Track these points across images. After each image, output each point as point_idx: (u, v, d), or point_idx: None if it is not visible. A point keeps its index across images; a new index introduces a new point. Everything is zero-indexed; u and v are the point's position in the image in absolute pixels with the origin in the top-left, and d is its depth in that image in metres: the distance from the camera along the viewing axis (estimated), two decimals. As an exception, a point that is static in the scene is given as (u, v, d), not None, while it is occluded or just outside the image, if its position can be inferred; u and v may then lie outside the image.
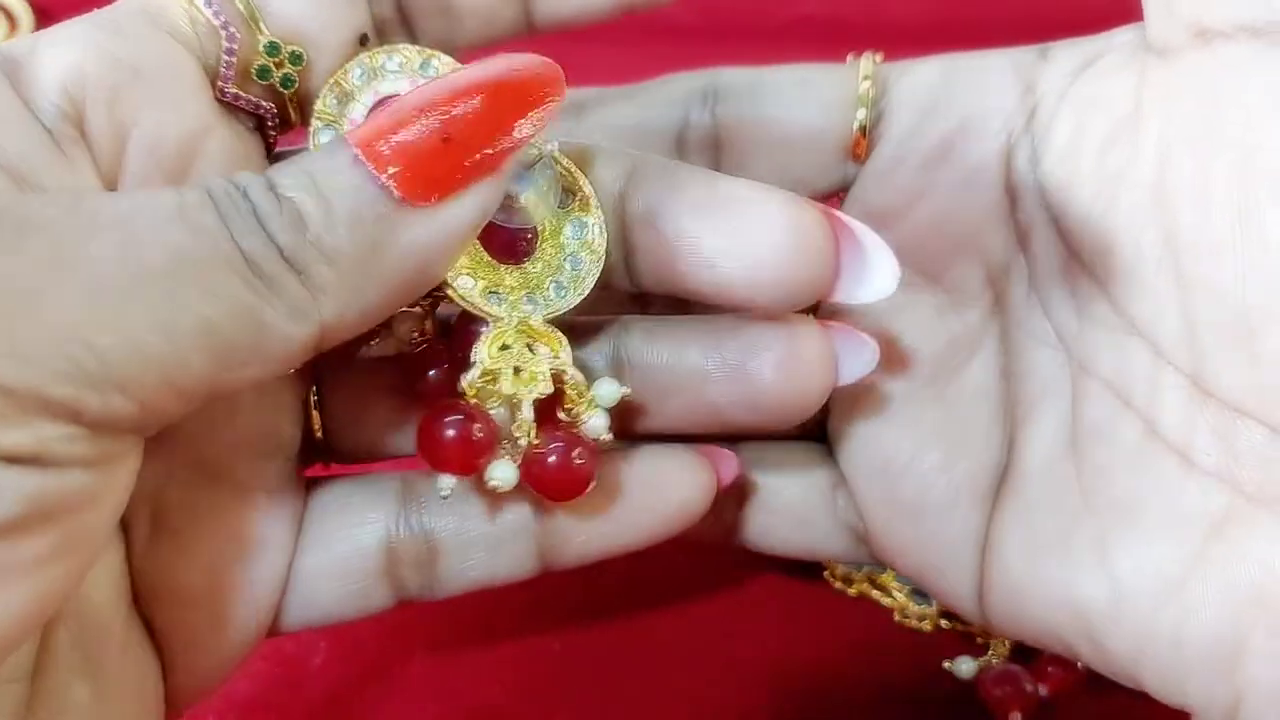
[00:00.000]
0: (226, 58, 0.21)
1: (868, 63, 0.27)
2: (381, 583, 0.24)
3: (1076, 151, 0.25)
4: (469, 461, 0.22)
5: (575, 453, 0.22)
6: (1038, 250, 0.26)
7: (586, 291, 0.23)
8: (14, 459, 0.16)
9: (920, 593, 0.34)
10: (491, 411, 0.23)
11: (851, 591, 0.34)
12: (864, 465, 0.27)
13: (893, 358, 0.27)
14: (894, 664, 0.34)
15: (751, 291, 0.22)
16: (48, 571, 0.17)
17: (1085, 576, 0.24)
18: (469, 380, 0.22)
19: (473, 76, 0.20)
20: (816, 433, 0.29)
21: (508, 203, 0.23)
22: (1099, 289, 0.24)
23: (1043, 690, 0.32)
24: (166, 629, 0.23)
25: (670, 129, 0.27)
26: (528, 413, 0.22)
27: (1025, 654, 0.33)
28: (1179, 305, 0.23)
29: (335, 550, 0.24)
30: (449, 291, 0.22)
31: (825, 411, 0.28)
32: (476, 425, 0.22)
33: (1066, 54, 0.26)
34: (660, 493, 0.25)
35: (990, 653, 0.33)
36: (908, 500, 0.26)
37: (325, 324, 0.19)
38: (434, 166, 0.19)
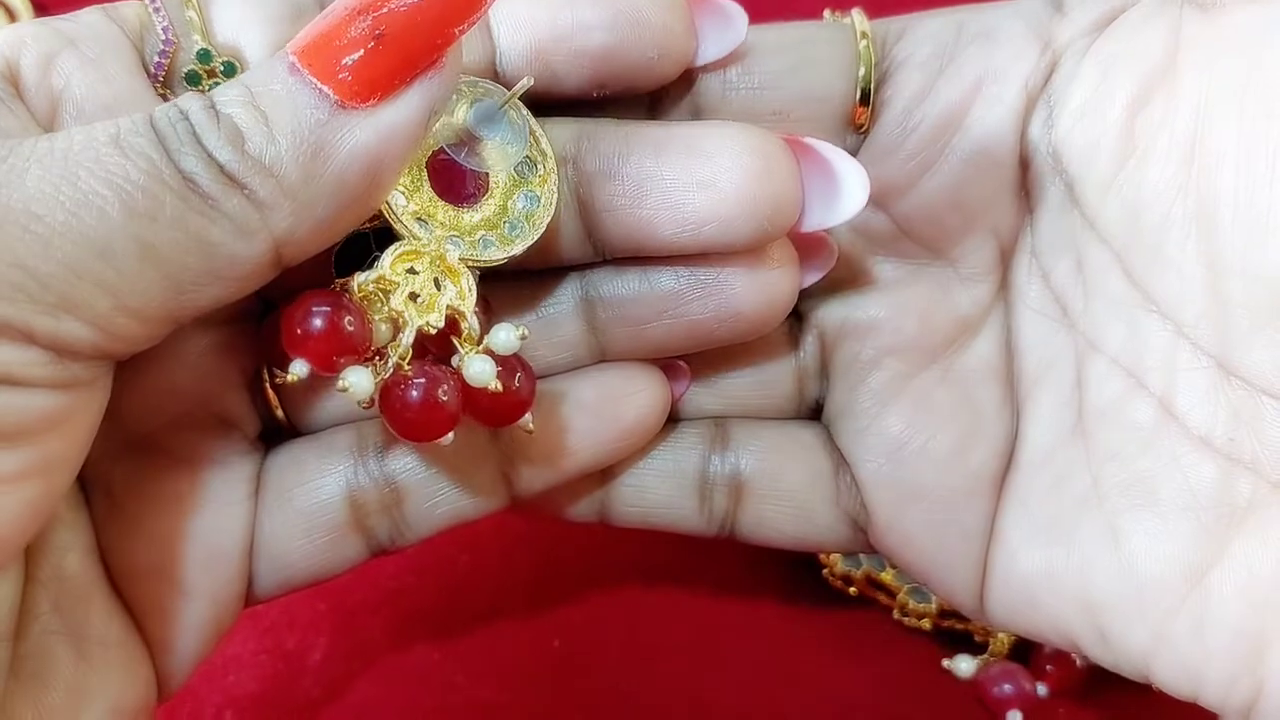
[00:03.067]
0: (159, 59, 0.22)
1: (861, 18, 0.25)
2: (350, 534, 0.24)
3: (1100, 112, 0.23)
4: (328, 355, 0.21)
5: (441, 389, 0.21)
6: (1044, 218, 0.25)
7: (514, 254, 0.23)
8: None
9: (920, 592, 0.34)
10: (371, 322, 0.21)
11: (851, 591, 0.34)
12: (873, 448, 0.26)
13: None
14: (894, 664, 0.34)
15: (722, 227, 0.22)
16: (18, 490, 0.18)
17: (1097, 565, 0.23)
18: (361, 280, 0.21)
19: None
20: (812, 412, 0.27)
21: (470, 141, 0.22)
22: (1114, 261, 0.23)
23: (1042, 689, 0.32)
24: (135, 605, 0.23)
25: (639, 100, 0.25)
26: (408, 337, 0.21)
27: (1024, 653, 0.33)
28: (1209, 282, 0.22)
29: (297, 508, 0.24)
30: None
31: (822, 390, 0.27)
32: (349, 318, 0.21)
33: (1083, 5, 0.24)
34: (616, 407, 0.25)
35: (989, 652, 0.33)
36: (921, 487, 0.25)
37: (278, 239, 0.19)
38: (370, 67, 0.19)
